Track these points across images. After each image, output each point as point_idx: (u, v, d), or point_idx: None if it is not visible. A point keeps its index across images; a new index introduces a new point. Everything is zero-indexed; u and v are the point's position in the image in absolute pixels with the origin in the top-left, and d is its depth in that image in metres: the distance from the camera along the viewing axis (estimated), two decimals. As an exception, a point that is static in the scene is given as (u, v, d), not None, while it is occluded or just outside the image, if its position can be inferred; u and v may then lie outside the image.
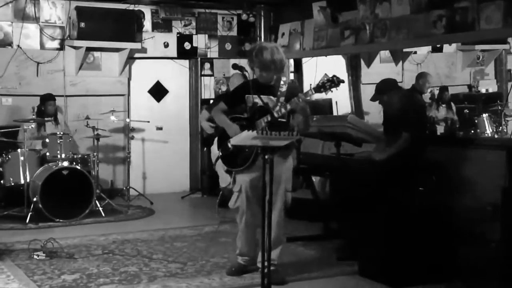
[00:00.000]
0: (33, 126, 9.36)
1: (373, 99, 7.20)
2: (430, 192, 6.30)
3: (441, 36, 7.91)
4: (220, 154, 6.26)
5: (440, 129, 9.78)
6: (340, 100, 11.03)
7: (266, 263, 5.07)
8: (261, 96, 5.94)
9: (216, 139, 6.44)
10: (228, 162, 6.22)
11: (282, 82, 6.06)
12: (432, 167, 6.62)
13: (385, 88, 7.11)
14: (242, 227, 6.25)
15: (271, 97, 5.98)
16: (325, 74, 5.70)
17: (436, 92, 10.33)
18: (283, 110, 5.82)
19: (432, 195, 6.29)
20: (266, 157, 5.01)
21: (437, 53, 11.73)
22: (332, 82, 5.58)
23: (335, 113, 10.91)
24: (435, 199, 6.30)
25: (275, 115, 5.83)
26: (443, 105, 10.11)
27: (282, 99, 5.91)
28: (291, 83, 6.23)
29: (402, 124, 6.92)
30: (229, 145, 6.07)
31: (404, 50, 10.71)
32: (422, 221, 6.08)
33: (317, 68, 10.70)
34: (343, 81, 5.63)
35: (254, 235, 6.27)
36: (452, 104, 10.30)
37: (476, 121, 9.47)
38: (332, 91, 5.75)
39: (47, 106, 9.80)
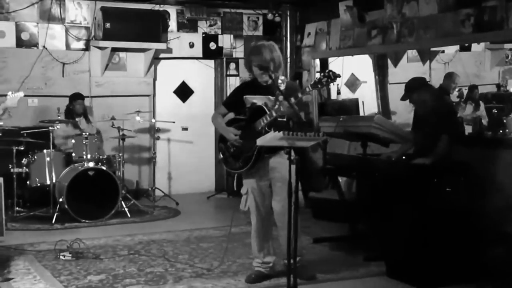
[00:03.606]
0: (58, 127, 9.34)
1: (403, 98, 7.06)
2: (458, 193, 6.23)
3: (469, 35, 7.83)
4: (221, 157, 6.26)
5: (468, 129, 9.68)
6: (367, 100, 10.97)
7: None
8: (259, 96, 5.90)
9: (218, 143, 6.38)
10: (229, 164, 6.21)
11: (280, 81, 5.97)
12: (461, 168, 6.53)
13: (415, 86, 6.97)
14: (254, 227, 6.19)
15: (269, 96, 5.92)
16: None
17: (465, 91, 10.23)
18: (281, 109, 5.74)
19: (460, 196, 6.22)
20: (292, 158, 4.98)
21: (465, 52, 11.60)
22: (329, 78, 5.51)
23: (361, 113, 10.84)
24: (463, 199, 6.23)
25: (273, 114, 5.77)
26: (472, 104, 10.01)
27: (280, 97, 5.80)
28: (289, 82, 6.17)
29: (441, 126, 6.71)
30: (231, 147, 6.09)
31: (432, 49, 10.61)
32: (450, 221, 6.03)
33: (344, 67, 10.65)
34: (339, 76, 5.57)
35: (269, 234, 6.21)
36: (481, 102, 10.19)
37: (504, 120, 9.35)
38: (333, 85, 5.73)
39: (75, 105, 9.85)
